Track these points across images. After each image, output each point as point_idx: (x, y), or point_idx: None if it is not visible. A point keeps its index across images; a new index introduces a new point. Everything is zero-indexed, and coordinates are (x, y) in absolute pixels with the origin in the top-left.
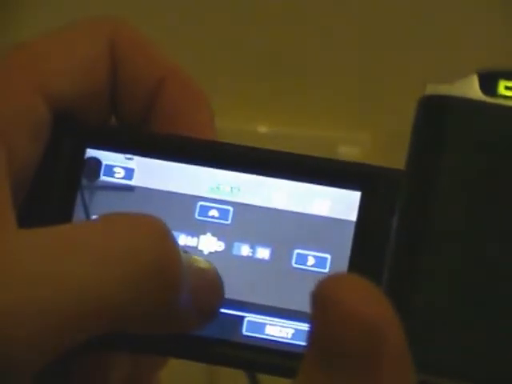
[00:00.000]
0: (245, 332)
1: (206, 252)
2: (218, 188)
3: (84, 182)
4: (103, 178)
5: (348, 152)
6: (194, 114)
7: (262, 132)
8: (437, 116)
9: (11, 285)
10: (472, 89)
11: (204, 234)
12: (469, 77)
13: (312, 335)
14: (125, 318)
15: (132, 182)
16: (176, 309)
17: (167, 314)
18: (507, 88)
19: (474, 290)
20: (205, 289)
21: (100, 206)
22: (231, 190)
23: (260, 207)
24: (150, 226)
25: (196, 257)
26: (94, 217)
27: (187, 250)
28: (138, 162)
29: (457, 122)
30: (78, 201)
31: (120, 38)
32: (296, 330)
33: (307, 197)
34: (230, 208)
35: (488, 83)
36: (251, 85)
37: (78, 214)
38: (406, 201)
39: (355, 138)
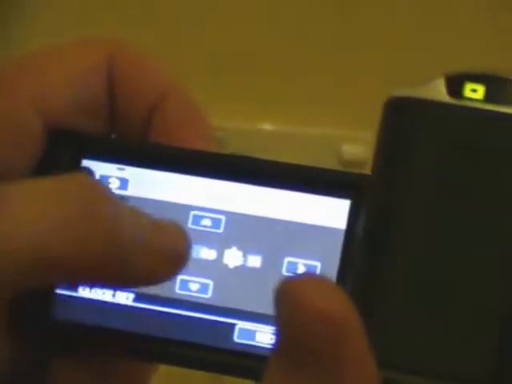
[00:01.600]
0: (236, 339)
1: (199, 260)
2: (210, 197)
3: None
4: None
5: (351, 150)
6: (191, 129)
7: (266, 130)
8: (401, 117)
9: None
10: (439, 91)
11: (197, 242)
12: (435, 80)
13: (276, 335)
14: (65, 264)
15: (127, 192)
16: (122, 256)
17: (114, 261)
18: (473, 90)
19: (430, 291)
20: (164, 234)
21: None
22: (223, 200)
23: (251, 216)
24: (80, 181)
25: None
26: None
27: None
28: (132, 173)
29: (421, 123)
30: None
31: (119, 56)
32: None
33: (297, 206)
34: (223, 217)
35: (454, 86)
36: (255, 83)
37: None
38: (371, 202)
39: (359, 136)
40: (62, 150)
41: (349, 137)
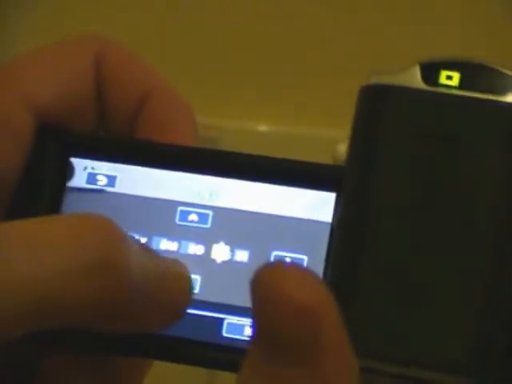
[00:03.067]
0: (225, 334)
1: (186, 256)
2: (197, 193)
3: (67, 189)
4: (86, 185)
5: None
6: (178, 126)
7: (262, 131)
8: (375, 105)
9: None
10: (414, 79)
11: (185, 238)
12: (411, 67)
13: (253, 326)
14: (70, 314)
15: (114, 189)
16: (127, 307)
17: (118, 312)
18: (448, 77)
19: (405, 280)
20: (167, 289)
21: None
22: (210, 195)
23: (238, 211)
24: (96, 225)
25: (165, 257)
26: None
27: (166, 253)
28: (119, 169)
29: (395, 110)
30: (63, 209)
31: (106, 54)
32: None
33: (284, 199)
34: (210, 212)
35: (429, 73)
36: (251, 84)
37: None
38: (346, 190)
39: None
40: (50, 146)
41: (344, 136)
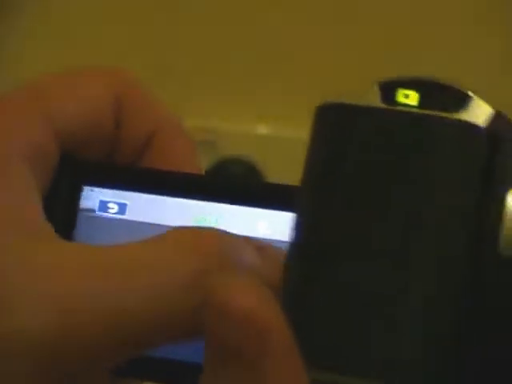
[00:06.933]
0: None
1: None
2: (204, 219)
3: (80, 216)
4: (98, 213)
5: None
6: (181, 160)
7: (262, 133)
8: (331, 125)
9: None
10: (372, 98)
11: None
12: (370, 87)
13: (205, 339)
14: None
15: (125, 217)
16: None
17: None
18: (405, 96)
19: (352, 291)
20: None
21: (95, 240)
22: (217, 221)
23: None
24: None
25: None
26: None
27: None
28: (130, 197)
29: (352, 127)
30: (75, 235)
31: (127, 88)
32: None
33: (289, 225)
34: None
35: (387, 92)
36: (251, 86)
37: None
38: (302, 206)
39: None
40: (64, 174)
41: None
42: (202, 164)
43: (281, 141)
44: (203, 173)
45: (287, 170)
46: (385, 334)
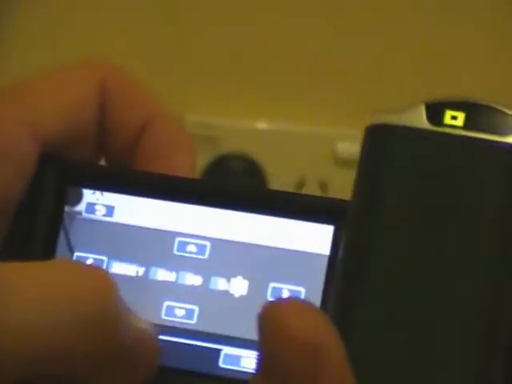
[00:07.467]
0: (221, 364)
1: (184, 286)
2: (195, 224)
3: (66, 218)
4: (85, 215)
5: (346, 148)
6: (177, 153)
7: (261, 128)
8: (382, 144)
9: None
10: (419, 118)
11: (182, 269)
12: (416, 106)
13: (258, 359)
14: (64, 365)
15: (112, 219)
16: (114, 361)
17: (109, 366)
18: (453, 118)
19: (404, 319)
20: (142, 344)
21: (82, 242)
22: (208, 226)
23: (236, 242)
24: (94, 278)
25: (135, 315)
26: (76, 254)
27: (164, 283)
28: (117, 200)
29: (403, 150)
30: (61, 238)
31: (110, 80)
32: None
33: (282, 231)
34: (207, 243)
35: (434, 113)
36: (250, 81)
37: (61, 249)
38: (351, 227)
39: (354, 134)
40: (49, 175)
41: (344, 135)
42: (202, 160)
43: (281, 136)
44: (198, 166)
45: (288, 166)
46: (437, 369)
